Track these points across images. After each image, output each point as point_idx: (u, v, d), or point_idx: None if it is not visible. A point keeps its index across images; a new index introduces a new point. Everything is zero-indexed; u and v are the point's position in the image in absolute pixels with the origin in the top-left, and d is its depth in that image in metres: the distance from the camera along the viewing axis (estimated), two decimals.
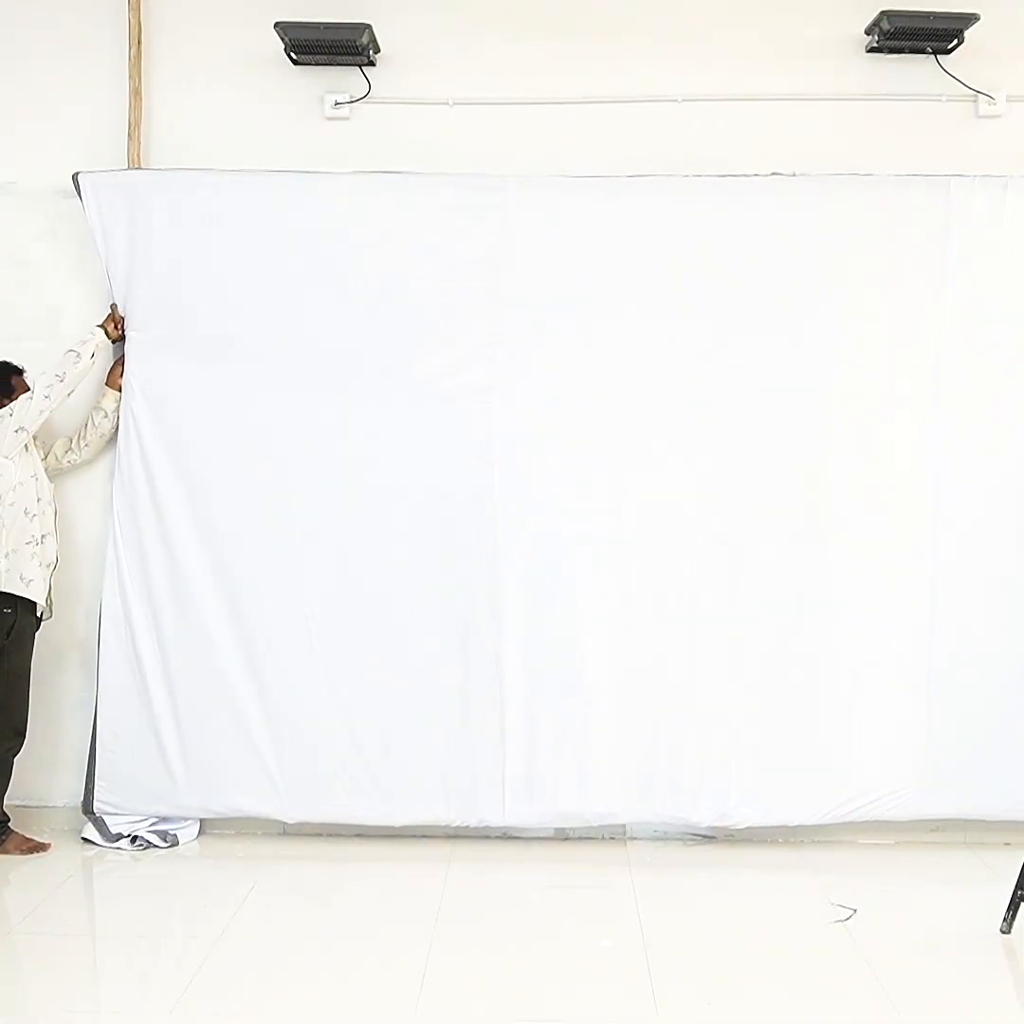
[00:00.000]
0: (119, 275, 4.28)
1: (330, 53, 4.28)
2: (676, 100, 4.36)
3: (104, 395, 4.31)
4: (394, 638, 4.27)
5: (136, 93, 4.37)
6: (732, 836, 4.34)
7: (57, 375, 4.06)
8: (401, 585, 4.26)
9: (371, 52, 4.31)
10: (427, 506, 4.26)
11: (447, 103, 4.38)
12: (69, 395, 4.14)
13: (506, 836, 4.37)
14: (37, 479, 4.10)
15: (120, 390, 4.30)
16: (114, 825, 4.26)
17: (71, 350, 4.12)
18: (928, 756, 4.25)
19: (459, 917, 3.65)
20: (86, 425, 4.30)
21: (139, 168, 4.34)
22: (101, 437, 4.30)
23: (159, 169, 4.33)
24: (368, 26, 4.22)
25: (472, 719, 4.25)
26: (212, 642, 4.27)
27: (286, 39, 4.24)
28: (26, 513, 4.01)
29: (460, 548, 4.26)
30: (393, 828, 4.29)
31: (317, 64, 4.35)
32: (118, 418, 4.30)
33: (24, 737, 4.12)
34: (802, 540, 4.25)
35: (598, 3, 4.38)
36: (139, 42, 4.36)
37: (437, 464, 4.26)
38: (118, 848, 4.22)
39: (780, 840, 4.34)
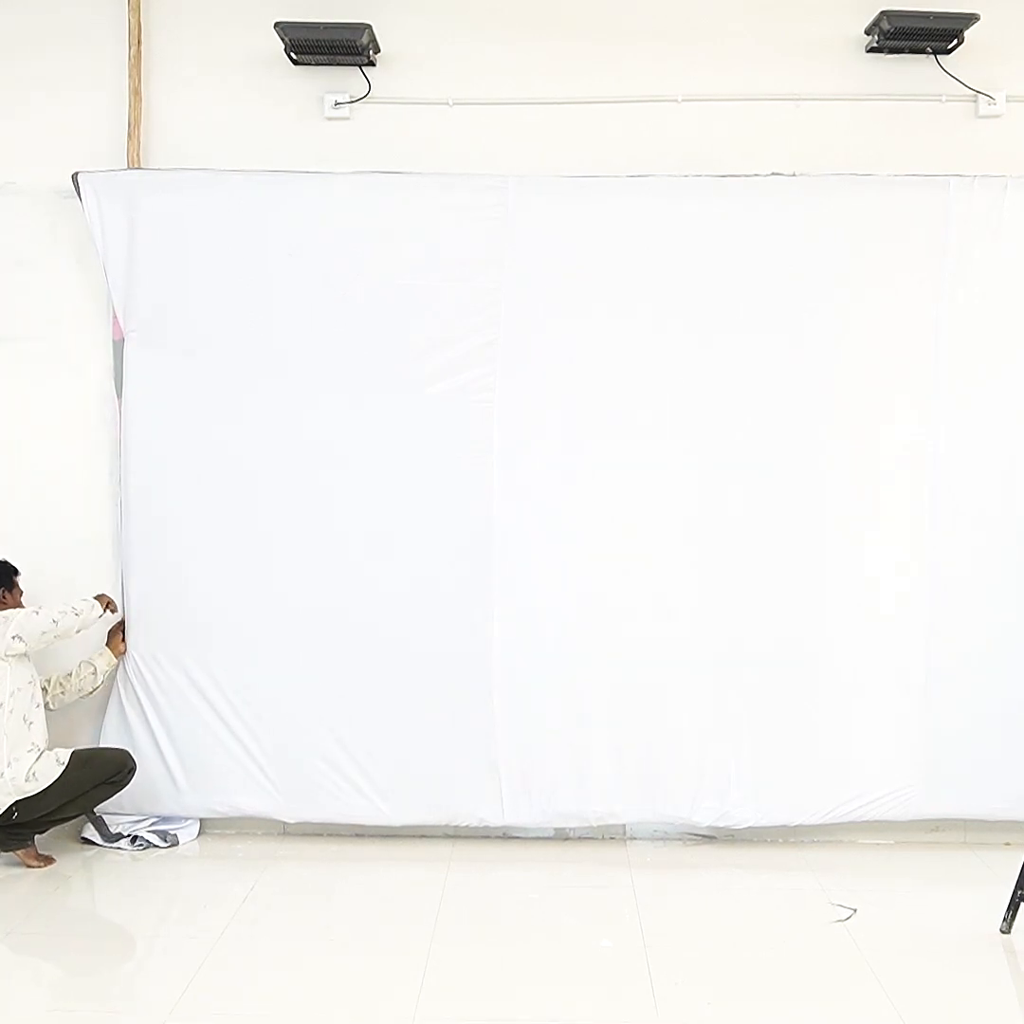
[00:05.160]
0: (118, 274, 4.28)
1: (330, 53, 4.28)
2: (676, 100, 4.37)
3: (100, 654, 4.28)
4: (387, 637, 4.27)
5: (136, 93, 4.37)
6: (732, 836, 4.34)
7: (63, 613, 4.06)
8: (396, 584, 4.27)
9: (371, 52, 4.31)
10: (424, 505, 4.26)
11: (447, 103, 4.38)
12: (55, 639, 4.10)
13: (506, 836, 4.37)
14: (33, 685, 4.07)
15: (117, 656, 4.29)
16: (114, 825, 4.27)
17: (73, 607, 4.10)
18: (928, 756, 4.25)
19: (459, 917, 3.66)
20: (69, 675, 4.24)
21: (138, 168, 4.34)
22: (78, 691, 4.25)
23: (158, 169, 4.33)
24: (368, 26, 4.22)
25: (464, 719, 4.26)
26: (202, 644, 4.29)
27: (286, 39, 4.24)
28: (24, 720, 3.99)
29: (457, 546, 4.26)
30: (392, 828, 4.30)
31: (317, 64, 4.35)
32: (103, 682, 4.26)
33: (119, 776, 4.13)
34: (802, 539, 4.26)
35: (598, 4, 4.38)
36: (139, 42, 4.37)
37: (436, 463, 4.26)
38: (118, 848, 4.22)
39: (780, 840, 4.34)
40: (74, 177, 4.26)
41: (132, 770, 4.16)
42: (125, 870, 4.08)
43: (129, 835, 4.26)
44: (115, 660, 4.29)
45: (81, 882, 3.98)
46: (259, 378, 4.28)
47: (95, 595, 4.25)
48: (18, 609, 4.09)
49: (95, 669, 4.25)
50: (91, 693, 4.27)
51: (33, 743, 4.00)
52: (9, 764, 3.92)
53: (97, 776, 4.08)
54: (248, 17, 4.38)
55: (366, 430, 4.27)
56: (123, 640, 4.31)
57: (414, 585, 4.27)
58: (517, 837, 4.38)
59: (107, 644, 4.31)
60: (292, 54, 4.33)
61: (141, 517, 4.30)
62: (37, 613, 4.04)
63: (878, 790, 4.25)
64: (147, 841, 4.25)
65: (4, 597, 4.16)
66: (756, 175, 4.24)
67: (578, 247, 4.23)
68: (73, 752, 4.07)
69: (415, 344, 4.25)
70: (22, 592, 4.22)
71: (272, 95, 4.40)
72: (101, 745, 4.29)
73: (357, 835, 4.34)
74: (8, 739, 3.93)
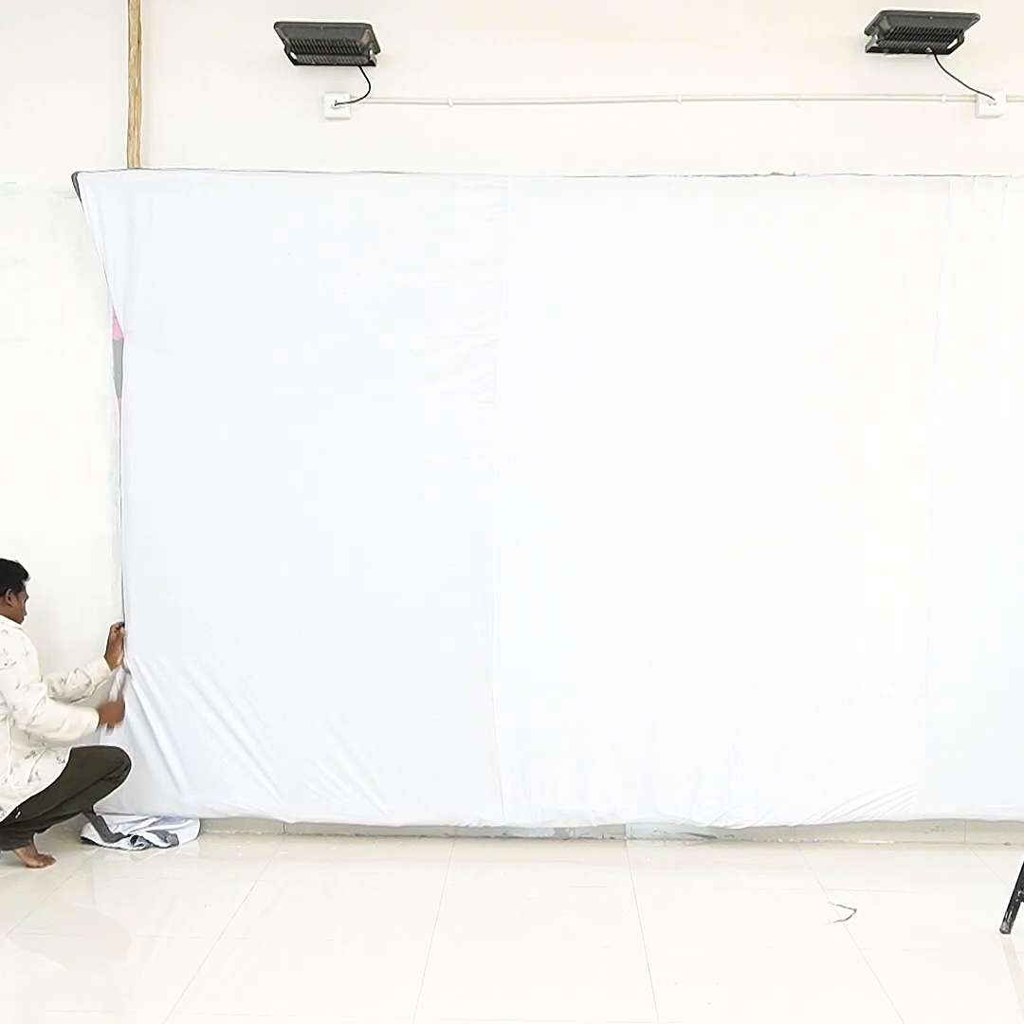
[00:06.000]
0: (118, 275, 4.27)
1: (330, 53, 4.28)
2: (676, 100, 4.37)
3: (96, 663, 4.25)
4: (387, 637, 4.27)
5: (136, 93, 4.37)
6: (732, 836, 4.34)
7: (54, 711, 3.93)
8: (396, 584, 4.26)
9: (371, 52, 4.31)
10: (424, 505, 4.26)
11: (447, 103, 4.38)
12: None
13: (506, 836, 4.37)
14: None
15: (112, 668, 4.26)
16: (114, 825, 4.27)
17: (67, 718, 3.97)
18: (928, 756, 4.25)
19: (459, 917, 3.66)
20: (63, 680, 4.19)
21: (139, 168, 4.34)
22: (68, 698, 4.17)
23: (159, 169, 4.33)
24: (368, 26, 4.22)
25: (464, 719, 4.26)
26: (202, 644, 4.29)
27: (286, 39, 4.24)
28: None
29: (457, 546, 4.26)
30: (392, 828, 4.30)
31: (317, 64, 4.35)
32: (94, 691, 4.22)
33: (117, 772, 4.15)
34: (801, 541, 4.26)
35: (598, 4, 4.38)
36: (139, 42, 4.37)
37: (436, 463, 4.26)
38: (118, 848, 4.23)
39: (780, 840, 4.34)
40: (74, 177, 4.26)
41: (128, 767, 4.18)
42: (125, 870, 4.08)
43: (129, 835, 4.26)
44: (109, 672, 4.28)
45: (81, 882, 3.98)
46: (259, 378, 4.27)
47: (99, 674, 4.23)
48: (16, 644, 3.97)
49: (89, 680, 4.23)
50: (79, 699, 4.24)
51: (32, 751, 4.00)
52: (11, 770, 3.93)
53: (96, 773, 4.09)
54: (248, 17, 4.38)
55: (366, 429, 4.27)
56: (122, 653, 4.29)
57: (414, 585, 4.26)
58: (517, 837, 4.38)
59: (105, 654, 4.29)
60: (292, 54, 4.33)
61: (141, 517, 4.30)
62: (29, 689, 3.90)
63: (878, 790, 4.25)
64: (147, 841, 4.25)
65: (9, 598, 4.12)
66: (756, 175, 4.24)
67: (578, 247, 4.23)
68: (72, 750, 4.08)
69: (415, 344, 4.25)
70: (27, 597, 4.19)
71: (272, 95, 4.40)
72: (100, 745, 4.29)
73: (357, 835, 4.35)
74: (10, 748, 3.94)
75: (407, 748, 4.27)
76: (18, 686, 3.92)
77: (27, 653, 3.98)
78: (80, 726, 4.02)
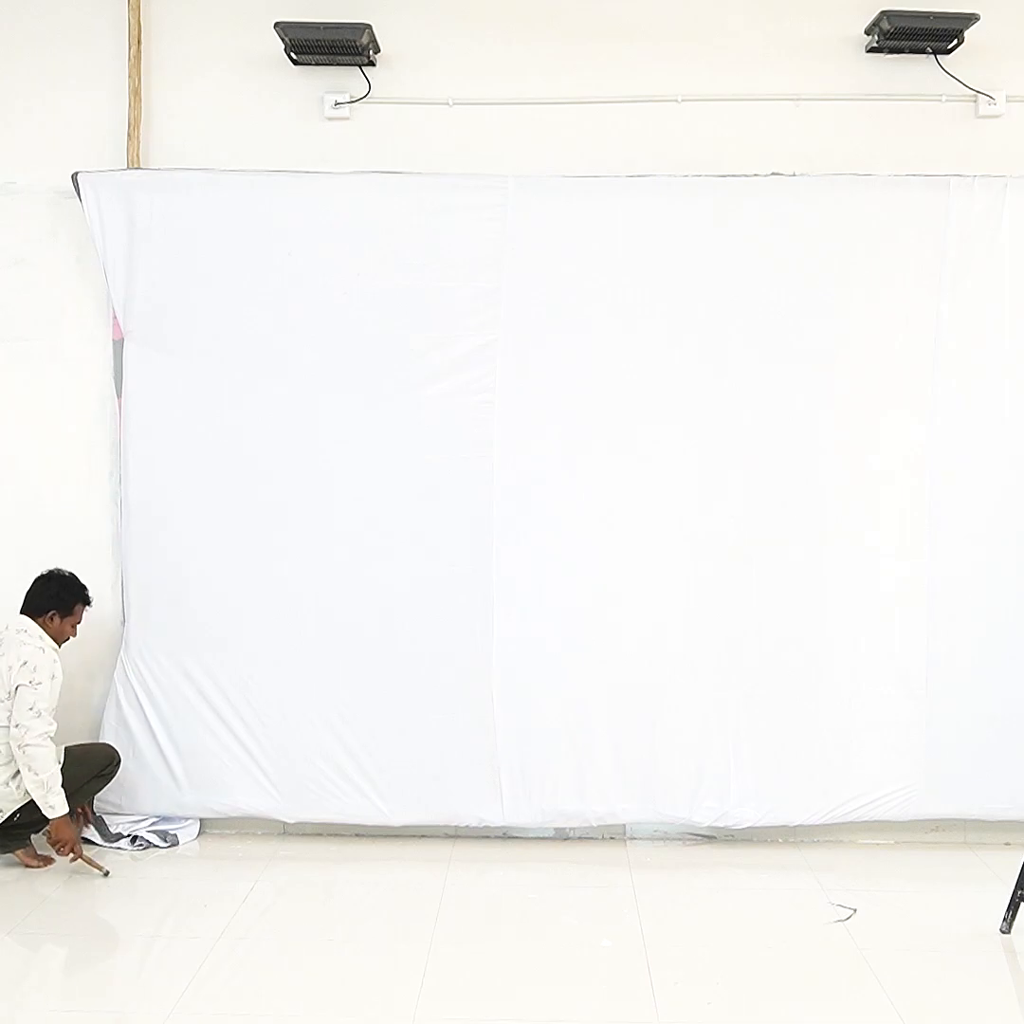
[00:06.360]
0: (118, 274, 4.28)
1: (330, 53, 4.28)
2: (676, 100, 4.37)
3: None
4: (387, 637, 4.27)
5: (136, 92, 4.37)
6: (732, 836, 4.34)
7: (38, 774, 3.84)
8: (396, 584, 4.27)
9: (371, 52, 4.31)
10: (424, 505, 4.26)
11: (447, 103, 4.38)
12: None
13: (506, 836, 4.37)
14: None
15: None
16: (114, 825, 4.27)
17: (48, 782, 3.86)
18: (928, 756, 4.25)
19: (459, 917, 3.66)
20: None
21: (139, 168, 4.34)
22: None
23: (159, 169, 4.33)
24: (368, 26, 4.22)
25: (465, 719, 4.26)
26: (201, 643, 4.29)
27: (286, 39, 4.24)
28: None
29: (457, 547, 4.26)
30: (392, 828, 4.30)
31: (317, 64, 4.35)
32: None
33: (109, 768, 4.17)
34: (801, 541, 4.26)
35: (598, 4, 4.38)
36: (139, 42, 4.37)
37: (436, 463, 4.26)
38: (118, 848, 4.22)
39: (780, 840, 4.34)
40: (74, 177, 4.26)
41: (118, 763, 4.19)
42: (125, 870, 4.07)
43: (129, 835, 4.26)
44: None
45: (81, 882, 3.98)
46: (259, 378, 4.28)
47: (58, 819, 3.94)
48: (48, 665, 3.95)
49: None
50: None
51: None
52: (14, 775, 3.94)
53: (89, 771, 4.10)
54: (248, 17, 4.38)
55: (366, 430, 4.27)
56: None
57: (414, 585, 4.27)
58: (517, 837, 4.38)
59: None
60: (292, 54, 4.33)
61: (141, 517, 4.31)
62: (40, 716, 3.85)
63: (878, 790, 4.25)
64: (147, 841, 4.25)
65: (52, 618, 4.07)
66: (756, 175, 4.25)
67: (578, 247, 4.23)
68: (67, 749, 4.08)
69: (415, 344, 4.25)
70: (79, 621, 4.11)
71: (272, 95, 4.41)
72: (94, 742, 4.29)
73: (357, 835, 4.34)
74: (13, 758, 3.95)
75: (407, 748, 4.27)
76: (31, 708, 3.89)
77: (54, 677, 3.98)
78: (49, 795, 3.86)
